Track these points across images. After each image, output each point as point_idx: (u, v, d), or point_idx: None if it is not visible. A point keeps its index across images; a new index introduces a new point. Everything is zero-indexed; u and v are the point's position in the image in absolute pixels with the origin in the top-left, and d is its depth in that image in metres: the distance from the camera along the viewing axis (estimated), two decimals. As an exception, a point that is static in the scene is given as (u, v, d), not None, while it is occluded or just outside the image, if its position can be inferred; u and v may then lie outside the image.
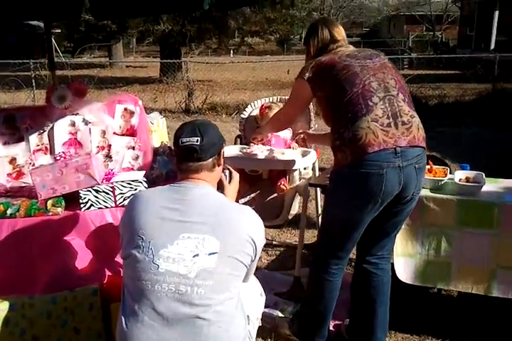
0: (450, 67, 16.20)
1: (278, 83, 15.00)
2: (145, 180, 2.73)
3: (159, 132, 3.17)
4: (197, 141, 1.98)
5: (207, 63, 13.27)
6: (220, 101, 11.32)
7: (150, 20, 14.83)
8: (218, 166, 2.09)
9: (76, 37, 23.09)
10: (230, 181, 2.31)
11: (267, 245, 3.93)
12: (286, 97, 3.64)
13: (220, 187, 2.25)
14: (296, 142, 3.23)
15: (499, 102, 9.88)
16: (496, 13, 21.84)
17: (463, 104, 10.49)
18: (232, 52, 24.08)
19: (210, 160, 2.03)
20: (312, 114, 3.62)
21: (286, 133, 3.49)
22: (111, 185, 2.67)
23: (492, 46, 21.82)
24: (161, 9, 3.92)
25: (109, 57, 25.10)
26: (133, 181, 2.70)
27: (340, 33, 2.67)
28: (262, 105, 3.63)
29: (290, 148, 3.40)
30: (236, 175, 2.34)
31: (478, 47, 21.81)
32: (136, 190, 2.69)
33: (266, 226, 2.09)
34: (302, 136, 3.13)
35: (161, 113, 10.91)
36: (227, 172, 2.32)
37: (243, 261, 1.88)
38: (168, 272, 1.81)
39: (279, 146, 3.38)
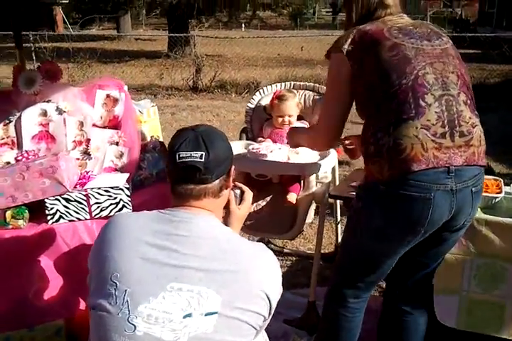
0: (471, 46, 15.44)
1: (291, 59, 14.32)
2: (127, 186, 2.21)
3: (150, 123, 2.65)
4: (201, 157, 1.48)
5: (216, 38, 12.62)
6: (229, 78, 10.71)
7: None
8: (226, 189, 1.59)
9: (83, 8, 22.51)
10: (240, 203, 1.79)
11: (275, 254, 3.42)
12: (304, 83, 3.11)
13: (226, 212, 1.74)
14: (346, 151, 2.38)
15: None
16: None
17: (488, 87, 9.82)
18: (243, 26, 23.39)
19: (217, 182, 1.54)
20: None
21: (298, 123, 2.94)
22: (85, 193, 2.15)
23: (515, 24, 20.94)
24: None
25: (117, 29, 24.48)
26: (112, 188, 2.18)
27: None
28: (275, 93, 3.04)
29: None
30: (249, 196, 1.82)
31: (499, 26, 20.95)
32: (115, 198, 2.18)
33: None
34: (349, 141, 2.33)
35: (167, 90, 10.45)
36: (237, 191, 1.79)
37: (252, 323, 1.39)
38: (147, 337, 1.32)
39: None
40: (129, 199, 2.20)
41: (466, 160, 1.76)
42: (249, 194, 1.82)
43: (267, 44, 14.14)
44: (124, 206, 2.20)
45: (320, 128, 2.07)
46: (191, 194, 1.51)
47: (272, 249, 3.16)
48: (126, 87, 2.61)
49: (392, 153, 1.74)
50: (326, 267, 3.05)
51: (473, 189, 1.80)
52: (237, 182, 1.80)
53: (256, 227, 2.63)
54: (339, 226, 3.37)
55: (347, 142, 2.34)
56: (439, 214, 1.76)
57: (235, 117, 7.94)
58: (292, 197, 2.62)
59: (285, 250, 3.48)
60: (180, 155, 1.49)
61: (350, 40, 1.89)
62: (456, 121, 1.77)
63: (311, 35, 16.57)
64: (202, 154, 1.48)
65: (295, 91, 3.08)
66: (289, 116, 2.90)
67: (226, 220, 1.74)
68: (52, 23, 28.05)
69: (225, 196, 1.62)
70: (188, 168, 1.48)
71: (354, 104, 1.98)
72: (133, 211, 2.21)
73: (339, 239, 3.41)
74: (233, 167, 1.63)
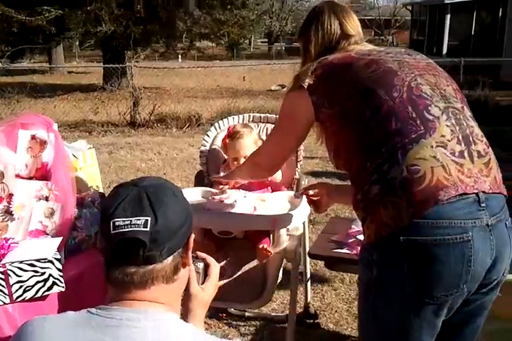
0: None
1: (231, 90, 14.06)
2: (58, 257, 1.73)
3: (87, 170, 2.20)
4: (145, 225, 1.06)
5: (154, 68, 12.20)
6: (169, 111, 10.22)
7: (91, 20, 13.64)
8: (184, 267, 1.16)
9: (12, 40, 21.63)
10: (204, 281, 1.35)
11: (235, 319, 2.97)
12: (265, 115, 2.71)
13: (185, 294, 1.29)
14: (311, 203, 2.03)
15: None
16: (448, 17, 21.67)
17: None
18: (180, 56, 23.10)
19: (170, 259, 1.11)
20: (301, 150, 2.54)
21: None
22: (2, 269, 1.66)
23: (444, 51, 21.64)
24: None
25: (49, 62, 23.69)
26: (38, 261, 1.69)
27: (354, 25, 1.78)
28: (228, 128, 2.62)
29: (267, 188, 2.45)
30: (215, 270, 1.38)
31: (430, 52, 21.50)
32: (42, 274, 1.69)
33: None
34: (314, 191, 2.01)
35: (103, 126, 9.85)
36: (200, 264, 1.34)
37: None
38: None
39: (255, 187, 2.43)
40: (61, 274, 1.72)
41: (491, 187, 1.42)
42: (215, 267, 1.39)
43: (206, 74, 13.88)
44: (54, 284, 1.71)
45: (267, 167, 1.92)
46: (133, 281, 1.09)
47: (230, 314, 2.74)
48: (55, 126, 2.13)
49: (408, 184, 1.37)
50: (296, 331, 2.62)
51: (506, 223, 1.44)
52: (198, 252, 1.36)
53: (217, 296, 2.16)
54: (308, 284, 2.97)
55: (311, 192, 1.97)
56: (482, 261, 1.37)
57: (177, 155, 7.47)
58: (264, 251, 2.14)
59: (246, 313, 2.98)
60: (116, 224, 1.07)
61: (309, 73, 1.63)
62: (471, 138, 1.45)
63: (251, 64, 16.45)
64: (147, 220, 1.07)
65: (254, 125, 2.67)
66: (245, 157, 2.41)
67: (186, 306, 1.30)
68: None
69: (183, 278, 1.20)
70: (127, 241, 1.06)
71: (329, 152, 1.67)
72: (66, 288, 1.74)
73: (309, 299, 2.99)
74: (192, 236, 1.19)
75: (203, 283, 1.34)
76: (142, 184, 1.15)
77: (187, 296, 1.29)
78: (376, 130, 1.46)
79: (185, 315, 1.30)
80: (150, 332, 1.03)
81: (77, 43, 26.45)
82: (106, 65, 14.27)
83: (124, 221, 1.07)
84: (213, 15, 15.33)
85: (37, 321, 1.11)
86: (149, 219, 1.07)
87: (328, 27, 1.74)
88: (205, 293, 1.33)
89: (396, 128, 1.43)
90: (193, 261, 1.29)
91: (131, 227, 1.06)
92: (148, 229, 1.06)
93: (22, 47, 18.71)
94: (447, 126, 1.43)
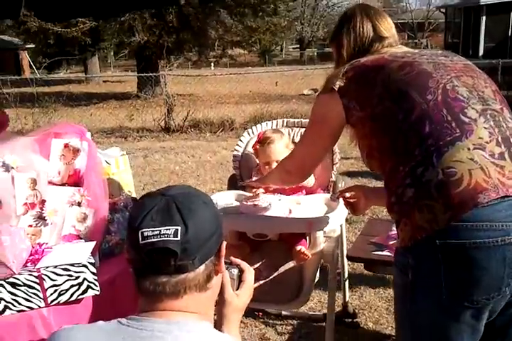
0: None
1: (264, 95, 14.06)
2: (92, 261, 1.73)
3: (119, 176, 2.20)
4: (175, 234, 1.04)
5: (187, 76, 12.32)
6: (202, 117, 10.31)
7: (124, 30, 13.87)
8: (216, 275, 1.13)
9: (48, 51, 22.14)
10: (238, 287, 1.31)
11: (271, 318, 2.94)
12: (299, 120, 2.68)
13: (219, 301, 1.26)
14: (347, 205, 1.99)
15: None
16: (483, 18, 21.33)
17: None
18: (212, 64, 23.26)
19: (203, 268, 1.09)
20: (337, 153, 2.52)
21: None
22: (37, 274, 1.66)
23: (481, 53, 21.29)
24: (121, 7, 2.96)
25: (85, 72, 24.18)
26: (72, 265, 1.69)
27: (388, 27, 1.73)
28: (258, 135, 2.59)
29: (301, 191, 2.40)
30: (250, 275, 1.34)
31: (466, 54, 21.16)
32: (77, 278, 1.69)
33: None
34: (351, 193, 1.95)
35: (138, 132, 9.98)
36: (234, 271, 1.30)
37: None
38: None
39: (290, 191, 2.39)
40: (95, 277, 1.72)
41: None
42: (249, 273, 1.35)
43: (238, 81, 13.89)
44: (89, 287, 1.72)
45: (298, 173, 1.90)
46: (165, 291, 1.06)
47: (267, 313, 2.70)
48: (89, 134, 2.15)
49: (444, 187, 1.32)
50: (335, 330, 2.56)
51: None
52: (232, 258, 1.33)
53: (253, 297, 2.13)
54: (346, 283, 2.91)
55: (348, 195, 1.92)
56: None
57: (211, 158, 7.50)
58: (302, 253, 2.12)
59: (283, 312, 2.96)
60: (145, 234, 1.04)
61: (340, 75, 1.59)
62: (511, 140, 1.39)
63: (283, 70, 16.44)
64: (177, 229, 1.05)
65: (287, 129, 2.65)
66: (277, 161, 2.39)
67: (220, 312, 1.27)
68: (19, 68, 27.63)
69: (216, 286, 1.17)
70: (157, 251, 1.04)
71: (362, 153, 1.64)
72: (101, 292, 1.73)
73: (347, 298, 2.94)
74: (224, 243, 1.17)
75: (237, 289, 1.31)
76: (170, 193, 1.12)
77: (221, 302, 1.27)
78: (409, 133, 1.42)
79: (219, 321, 1.27)
80: (179, 338, 1.00)
81: (112, 53, 26.92)
82: (140, 74, 14.47)
83: (153, 231, 1.04)
84: (245, 22, 15.44)
85: (65, 331, 1.09)
86: (179, 228, 1.04)
87: (361, 29, 1.70)
88: (240, 299, 1.29)
89: (430, 131, 1.39)
90: (227, 268, 1.27)
91: (160, 237, 1.04)
92: (178, 238, 1.04)
93: (58, 58, 19.14)
94: (485, 128, 1.38)
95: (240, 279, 1.32)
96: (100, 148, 2.33)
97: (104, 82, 22.84)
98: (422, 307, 1.41)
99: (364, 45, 1.69)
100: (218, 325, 1.26)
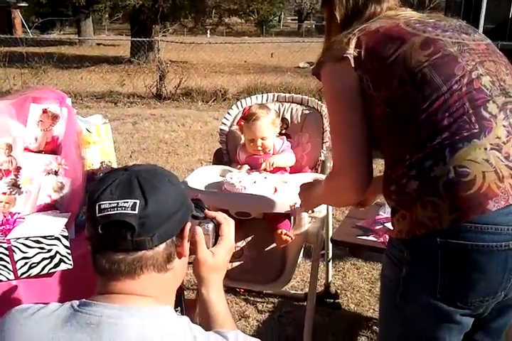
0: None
1: (259, 66, 13.87)
2: (65, 234, 1.65)
3: (100, 145, 2.11)
4: (133, 207, 0.97)
5: (181, 43, 12.05)
6: (195, 86, 10.14)
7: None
8: (180, 258, 1.07)
9: (42, 11, 21.65)
10: (215, 242, 1.22)
11: (253, 295, 2.90)
12: (290, 95, 2.58)
13: (194, 262, 1.18)
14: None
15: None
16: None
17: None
18: (208, 32, 22.89)
19: (163, 247, 1.02)
20: (328, 131, 2.38)
21: (278, 143, 2.40)
22: (6, 245, 1.59)
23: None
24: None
25: (78, 34, 23.75)
26: (44, 238, 1.62)
27: None
28: (244, 109, 2.47)
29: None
30: (228, 228, 1.24)
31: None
32: (49, 251, 1.62)
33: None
34: None
35: (128, 97, 9.80)
36: (208, 225, 1.20)
37: None
38: None
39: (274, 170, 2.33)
40: (68, 251, 1.65)
41: None
42: (227, 225, 1.24)
43: (234, 50, 13.64)
44: (61, 261, 1.65)
45: (340, 173, 1.41)
46: (120, 269, 1.00)
47: (248, 290, 2.66)
48: (69, 100, 2.04)
49: (454, 187, 1.22)
50: (316, 311, 2.53)
51: None
52: (207, 211, 1.23)
53: (234, 276, 2.08)
54: (330, 263, 2.87)
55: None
56: None
57: (201, 128, 7.39)
58: (284, 236, 2.06)
59: (265, 290, 2.92)
60: (102, 206, 0.99)
61: (353, 42, 1.35)
62: None
63: (280, 41, 16.19)
64: (135, 203, 0.98)
65: (277, 104, 2.55)
66: (262, 138, 2.35)
67: (197, 274, 1.19)
68: (11, 26, 27.05)
69: (180, 269, 1.09)
70: (114, 224, 0.97)
71: None
72: (74, 265, 1.67)
73: (330, 278, 2.90)
74: (189, 224, 1.09)
75: (213, 246, 1.20)
76: (134, 168, 1.07)
77: (195, 263, 1.18)
78: (424, 124, 1.27)
79: (199, 283, 1.20)
80: (133, 330, 0.94)
81: (107, 16, 26.42)
82: (133, 39, 14.17)
83: (110, 203, 0.99)
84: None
85: (15, 318, 1.02)
86: (138, 202, 0.98)
87: None
88: (217, 257, 1.19)
89: (448, 124, 1.25)
90: (200, 222, 1.18)
91: (117, 210, 0.98)
92: (136, 212, 0.97)
93: (51, 18, 18.71)
94: (504, 126, 1.26)
95: (217, 233, 1.22)
96: (89, 113, 2.23)
97: (98, 45, 22.45)
98: (412, 303, 1.34)
99: (358, 7, 1.47)
100: (198, 287, 1.20)
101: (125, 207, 0.97)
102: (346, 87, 1.37)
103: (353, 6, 1.48)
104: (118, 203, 0.98)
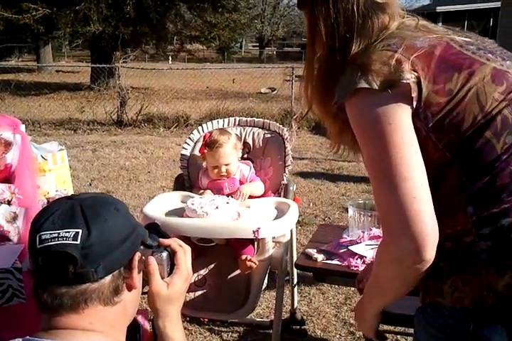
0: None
1: (221, 92, 13.92)
2: (18, 266, 1.58)
3: (56, 172, 2.02)
4: (75, 237, 0.92)
5: (142, 69, 12.01)
6: (157, 112, 10.07)
7: (79, 19, 13.45)
8: (129, 290, 1.01)
9: (0, 38, 21.36)
10: (170, 273, 1.13)
11: (217, 324, 2.83)
12: (252, 119, 2.57)
13: (148, 294, 1.10)
14: None
15: None
16: (439, 25, 21.69)
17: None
18: (170, 58, 22.97)
19: (108, 279, 0.96)
20: (290, 154, 2.43)
21: (245, 169, 2.38)
22: (-47, 280, 1.50)
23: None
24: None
25: (37, 61, 23.49)
26: (-5, 271, 1.54)
27: None
28: (204, 137, 2.45)
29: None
30: (182, 255, 1.15)
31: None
32: (1, 285, 1.54)
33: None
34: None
35: (88, 124, 9.67)
36: (162, 255, 1.11)
37: None
38: None
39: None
40: (21, 284, 1.57)
41: None
42: (182, 252, 1.15)
43: (195, 76, 13.68)
44: (14, 295, 1.57)
45: (395, 229, 1.06)
46: (62, 303, 0.94)
47: (212, 319, 2.58)
48: (23, 127, 1.99)
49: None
50: (282, 338, 2.47)
51: None
52: (160, 239, 1.14)
53: (197, 305, 2.02)
54: (295, 289, 2.82)
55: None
56: None
57: (163, 154, 7.31)
58: (248, 262, 2.01)
59: (229, 319, 2.85)
60: (42, 237, 0.94)
61: (407, 65, 1.06)
62: None
63: (242, 67, 16.34)
64: (77, 232, 0.93)
65: (238, 129, 2.54)
66: (226, 165, 2.34)
67: (152, 307, 1.11)
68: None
69: (130, 302, 1.03)
70: (55, 256, 0.92)
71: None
72: (27, 299, 1.59)
73: (295, 304, 2.85)
74: (138, 254, 1.03)
75: (168, 276, 1.13)
76: (78, 197, 1.02)
77: (149, 295, 1.11)
78: (502, 173, 1.06)
79: (154, 316, 1.13)
80: None
81: (67, 43, 26.25)
82: (93, 65, 14.09)
83: (51, 234, 0.93)
84: (204, 17, 15.25)
85: None
86: (80, 231, 0.93)
87: None
88: (172, 288, 1.11)
89: (493, 175, 1.07)
90: (153, 252, 1.11)
91: (58, 240, 0.92)
92: (78, 242, 0.92)
93: (9, 45, 18.45)
94: None
95: (172, 262, 1.15)
96: (48, 140, 2.16)
97: (57, 72, 22.21)
98: None
99: (351, 19, 1.16)
100: (155, 320, 1.13)
101: (66, 237, 0.92)
102: (403, 122, 1.08)
103: (345, 19, 1.18)
104: (59, 233, 0.93)
